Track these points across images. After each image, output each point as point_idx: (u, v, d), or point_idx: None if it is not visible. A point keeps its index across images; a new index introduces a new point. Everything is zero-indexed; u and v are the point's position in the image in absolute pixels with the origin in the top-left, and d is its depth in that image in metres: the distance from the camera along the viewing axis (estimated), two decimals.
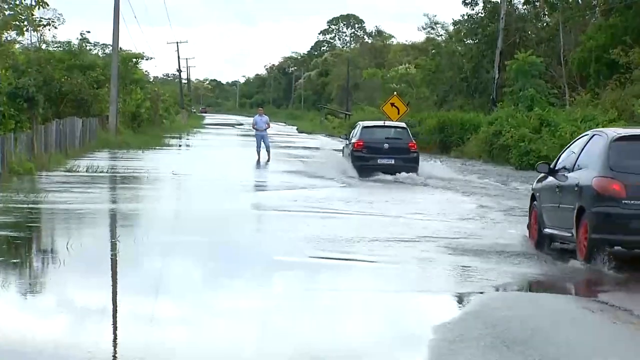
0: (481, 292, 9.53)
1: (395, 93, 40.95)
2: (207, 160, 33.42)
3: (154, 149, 38.91)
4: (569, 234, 11.52)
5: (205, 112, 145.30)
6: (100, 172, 24.37)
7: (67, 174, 23.58)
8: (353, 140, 27.99)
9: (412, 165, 26.85)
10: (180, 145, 46.79)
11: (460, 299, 9.37)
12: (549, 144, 31.44)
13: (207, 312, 8.51)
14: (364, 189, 22.37)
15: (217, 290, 9.61)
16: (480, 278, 10.33)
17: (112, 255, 11.51)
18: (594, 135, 11.91)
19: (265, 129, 33.02)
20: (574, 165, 11.85)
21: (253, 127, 33.90)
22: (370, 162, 26.79)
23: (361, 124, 30.01)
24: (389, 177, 26.01)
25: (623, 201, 10.64)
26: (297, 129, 79.41)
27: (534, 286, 10.49)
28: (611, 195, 10.74)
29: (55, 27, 41.39)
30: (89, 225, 14.44)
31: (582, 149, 11.84)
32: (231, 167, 29.51)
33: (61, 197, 17.86)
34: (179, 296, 9.13)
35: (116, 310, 8.57)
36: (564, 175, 12.01)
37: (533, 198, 13.33)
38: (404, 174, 26.19)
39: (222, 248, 12.38)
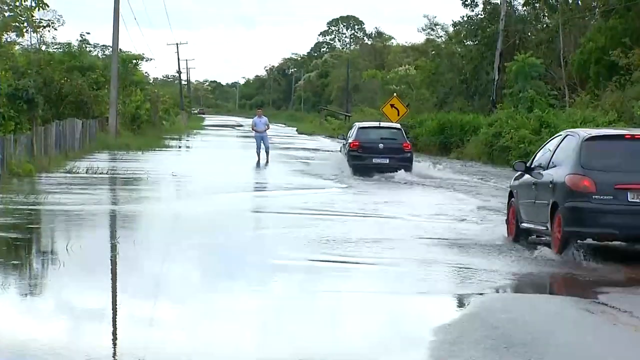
0: (481, 294, 9.53)
1: (395, 94, 40.97)
2: (207, 161, 33.42)
3: (154, 150, 38.91)
4: (544, 228, 12.27)
5: (203, 114, 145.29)
6: (100, 173, 24.36)
7: (67, 175, 23.58)
8: (349, 141, 28.90)
9: (406, 165, 27.64)
10: (180, 147, 46.79)
11: (461, 301, 9.37)
12: None
13: (206, 315, 8.50)
14: (362, 190, 22.36)
15: (217, 292, 9.61)
16: (479, 279, 10.33)
17: (111, 256, 11.51)
18: (566, 136, 12.70)
19: (265, 130, 33.04)
20: (549, 163, 12.63)
21: (252, 129, 33.92)
22: (366, 161, 27.66)
23: (357, 124, 31.00)
24: (388, 177, 26.63)
25: (593, 196, 11.39)
26: (297, 131, 79.42)
27: (532, 287, 10.49)
28: (582, 191, 11.46)
29: (55, 29, 41.49)
30: (89, 226, 14.44)
31: (556, 149, 12.69)
32: (231, 168, 29.51)
33: (61, 198, 17.85)
34: (179, 299, 9.12)
35: (115, 312, 8.57)
36: (539, 173, 12.76)
37: (511, 195, 14.12)
38: (401, 173, 26.95)
39: (221, 250, 12.37)
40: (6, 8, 34.95)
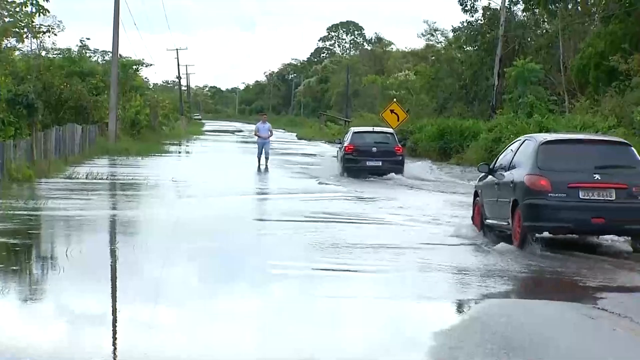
0: (481, 299, 9.54)
1: (394, 100, 41.02)
2: (207, 167, 33.43)
3: (154, 155, 38.92)
4: (506, 223, 13.54)
5: (200, 119, 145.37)
6: (100, 178, 24.38)
7: (67, 180, 23.59)
8: (345, 144, 30.25)
9: (397, 167, 29.23)
10: (179, 152, 46.80)
11: (460, 306, 9.39)
12: None
13: (206, 320, 8.51)
14: (361, 194, 22.36)
15: (217, 297, 9.62)
16: (479, 285, 10.34)
17: (111, 262, 11.52)
18: (525, 140, 14.11)
19: (268, 137, 33.06)
20: (509, 165, 13.94)
21: (255, 134, 33.96)
22: (360, 164, 29.11)
23: (352, 129, 32.63)
24: (385, 181, 27.86)
25: (549, 194, 12.65)
26: (296, 136, 79.45)
27: (531, 291, 10.51)
28: (539, 190, 12.71)
29: (55, 34, 41.49)
30: (89, 232, 14.45)
31: (516, 152, 14.01)
32: (230, 173, 29.53)
33: (61, 204, 17.87)
34: (179, 304, 9.13)
35: (115, 317, 8.58)
36: (501, 174, 14.09)
37: (476, 194, 15.52)
38: (392, 175, 28.57)
39: (221, 255, 12.38)
40: (6, 14, 35.00)
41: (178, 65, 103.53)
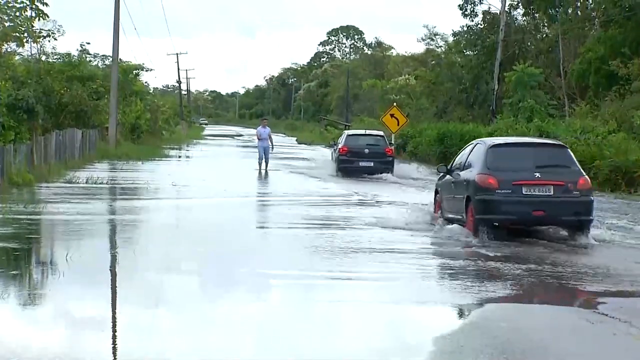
0: (480, 304, 9.54)
1: (395, 104, 41.02)
2: (207, 171, 33.43)
3: (154, 160, 38.93)
4: (461, 217, 15.38)
5: (207, 124, 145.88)
6: (100, 183, 24.38)
7: (67, 185, 23.60)
8: (339, 146, 32.92)
9: (387, 167, 31.80)
10: (179, 157, 46.81)
11: (460, 310, 9.38)
12: None
13: (206, 325, 8.50)
14: (358, 196, 22.39)
15: (216, 302, 9.61)
16: (479, 289, 10.34)
17: (111, 267, 11.52)
18: (477, 144, 16.07)
19: (268, 141, 33.08)
20: (463, 166, 15.93)
21: (258, 138, 34.01)
22: (354, 164, 31.75)
23: (346, 132, 35.54)
24: (377, 180, 30.18)
25: (496, 191, 14.51)
26: (296, 140, 79.49)
27: (531, 296, 10.51)
28: (488, 187, 14.58)
29: (55, 39, 41.61)
30: (89, 236, 14.44)
31: (469, 154, 15.99)
32: (231, 177, 29.55)
33: (61, 208, 17.87)
34: (179, 309, 9.13)
35: (115, 322, 8.57)
36: (457, 173, 16.03)
37: (436, 192, 17.86)
38: (383, 174, 31.18)
39: (221, 260, 12.37)
40: (6, 18, 35.01)
41: (178, 69, 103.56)
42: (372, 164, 31.59)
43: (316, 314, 9.19)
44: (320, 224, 16.77)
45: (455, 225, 15.48)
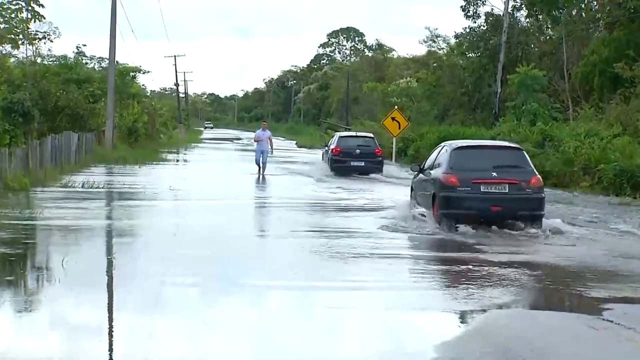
0: (483, 310, 9.55)
1: (396, 107, 41.06)
2: (205, 175, 33.45)
3: (151, 164, 38.94)
4: (430, 211, 17.32)
5: (212, 127, 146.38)
6: (97, 187, 24.39)
7: (63, 189, 23.60)
8: (331, 147, 35.50)
9: (377, 167, 34.35)
10: (177, 160, 46.82)
11: (462, 317, 9.39)
12: (552, 159, 31.42)
13: (205, 332, 8.51)
14: (359, 201, 22.42)
15: (215, 309, 9.61)
16: (481, 296, 10.35)
17: (108, 272, 11.52)
18: (444, 146, 18.16)
19: (267, 144, 32.96)
20: (432, 165, 18.07)
21: (255, 140, 33.92)
22: (346, 164, 34.19)
23: (338, 134, 38.62)
24: (369, 179, 32.27)
25: (457, 188, 16.44)
26: (296, 144, 79.50)
27: (534, 303, 10.53)
28: (450, 185, 16.55)
29: (51, 41, 41.63)
30: (85, 241, 14.45)
31: (438, 155, 18.11)
32: (229, 181, 29.58)
33: (57, 213, 17.88)
34: (177, 315, 9.14)
35: (112, 329, 8.58)
36: (428, 172, 18.10)
37: (412, 189, 20.14)
38: (374, 174, 33.46)
39: (220, 265, 12.37)
40: (1, 20, 35.08)
41: (176, 72, 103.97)
42: (363, 164, 34.07)
43: (315, 320, 9.19)
44: (320, 229, 16.78)
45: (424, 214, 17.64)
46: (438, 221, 16.68)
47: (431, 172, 17.85)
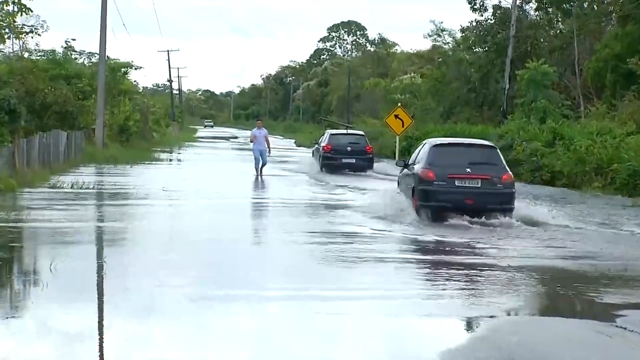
0: (490, 316, 9.55)
1: (399, 104, 41.07)
2: (200, 175, 33.46)
3: (143, 163, 38.96)
4: (410, 202, 19.29)
5: (212, 126, 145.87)
6: (86, 188, 24.40)
7: (51, 190, 23.61)
8: (322, 144, 37.73)
9: (368, 164, 36.74)
10: (171, 160, 46.84)
11: (468, 323, 9.40)
12: (563, 158, 31.45)
13: (199, 340, 8.51)
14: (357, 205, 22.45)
15: (210, 316, 9.61)
16: (488, 301, 10.36)
17: (98, 277, 11.52)
18: (426, 143, 20.47)
19: (265, 144, 32.75)
20: (415, 161, 20.22)
21: (251, 141, 33.79)
22: (337, 161, 36.45)
23: (329, 131, 40.65)
24: (361, 177, 34.18)
25: (434, 183, 18.60)
26: (295, 143, 79.56)
27: (543, 308, 10.53)
28: (427, 180, 18.69)
29: (39, 35, 41.63)
30: (74, 245, 14.45)
31: (419, 152, 20.40)
32: (224, 182, 29.58)
33: (45, 215, 17.89)
34: (170, 321, 9.14)
35: (102, 336, 8.58)
36: (411, 167, 20.13)
37: (398, 183, 22.18)
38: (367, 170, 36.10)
39: (214, 270, 12.38)
40: None
41: (169, 67, 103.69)
42: (353, 161, 36.52)
43: (313, 327, 9.19)
44: (318, 232, 16.80)
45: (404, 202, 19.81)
46: (417, 212, 18.72)
47: (413, 167, 19.90)
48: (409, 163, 20.74)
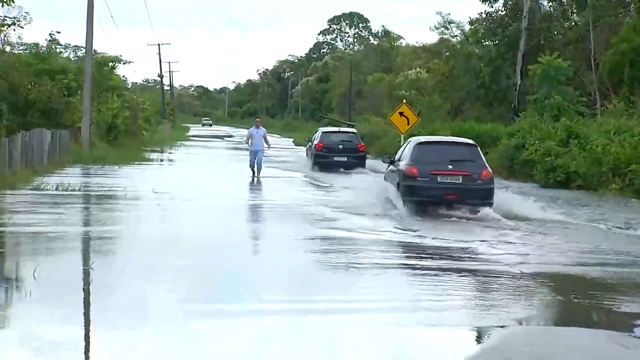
0: (501, 326, 9.56)
1: (404, 101, 41.12)
2: (192, 177, 33.46)
3: (133, 164, 38.94)
4: (396, 197, 21.55)
5: (211, 125, 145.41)
6: (72, 190, 24.39)
7: (35, 192, 23.61)
8: (315, 142, 39.91)
9: (360, 162, 38.71)
10: (162, 161, 46.85)
11: (479, 333, 9.40)
12: (579, 158, 31.43)
13: (192, 352, 8.51)
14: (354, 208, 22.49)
15: (202, 327, 9.61)
16: (499, 310, 10.36)
17: (84, 284, 11.52)
18: (410, 141, 22.89)
19: (263, 144, 32.47)
20: (400, 158, 22.51)
21: (246, 141, 33.64)
22: (329, 159, 38.44)
23: (321, 129, 42.55)
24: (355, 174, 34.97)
25: (417, 178, 20.90)
26: (293, 142, 79.58)
27: (557, 318, 10.54)
28: (411, 175, 21.02)
29: (22, 27, 41.52)
30: (59, 250, 14.45)
31: (404, 149, 22.74)
32: (219, 184, 29.58)
33: (28, 218, 17.88)
34: (160, 333, 9.14)
35: (88, 347, 8.58)
36: (397, 163, 22.45)
37: (385, 179, 24.31)
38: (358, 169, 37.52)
39: (206, 279, 12.38)
40: None
41: (160, 61, 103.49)
42: (345, 159, 38.49)
43: (315, 338, 9.20)
44: (315, 236, 16.83)
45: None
46: (403, 205, 20.91)
47: (399, 163, 22.19)
48: (395, 160, 23.12)
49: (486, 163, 21.67)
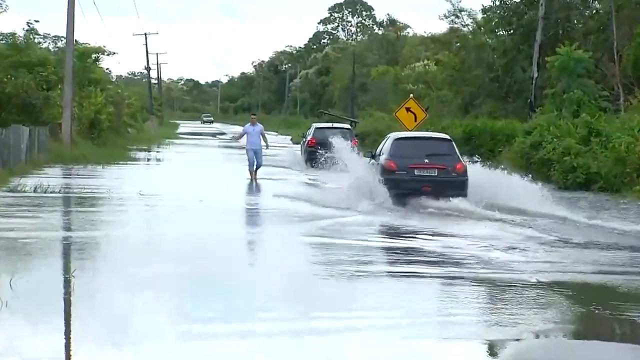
0: (516, 339, 9.58)
1: (411, 96, 41.10)
2: (182, 177, 33.48)
3: (117, 163, 38.98)
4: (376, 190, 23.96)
5: (212, 121, 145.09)
6: (52, 192, 24.41)
7: (11, 194, 23.62)
8: (308, 139, 43.21)
9: None
10: (149, 160, 46.87)
11: (492, 347, 9.41)
12: (600, 157, 31.43)
13: None
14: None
15: (192, 340, 9.62)
16: (514, 321, 10.38)
17: (65, 294, 11.52)
18: (389, 137, 25.71)
19: (260, 142, 32.05)
20: (380, 153, 25.32)
21: (238, 139, 33.48)
22: (321, 155, 39.66)
23: (314, 125, 46.40)
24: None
25: (396, 172, 23.78)
26: (291, 140, 79.57)
27: (577, 330, 10.55)
28: (390, 169, 23.89)
29: None
30: (38, 257, 14.46)
31: (384, 144, 25.60)
32: (210, 185, 29.63)
33: (4, 222, 17.88)
34: (147, 346, 9.15)
35: None
36: (378, 158, 25.18)
37: (367, 173, 25.62)
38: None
39: (196, 286, 12.40)
40: None
41: (147, 53, 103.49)
42: None
43: (316, 349, 9.21)
44: (314, 241, 16.86)
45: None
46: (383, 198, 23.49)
47: (379, 158, 24.93)
48: (375, 154, 25.90)
49: (460, 156, 24.46)
